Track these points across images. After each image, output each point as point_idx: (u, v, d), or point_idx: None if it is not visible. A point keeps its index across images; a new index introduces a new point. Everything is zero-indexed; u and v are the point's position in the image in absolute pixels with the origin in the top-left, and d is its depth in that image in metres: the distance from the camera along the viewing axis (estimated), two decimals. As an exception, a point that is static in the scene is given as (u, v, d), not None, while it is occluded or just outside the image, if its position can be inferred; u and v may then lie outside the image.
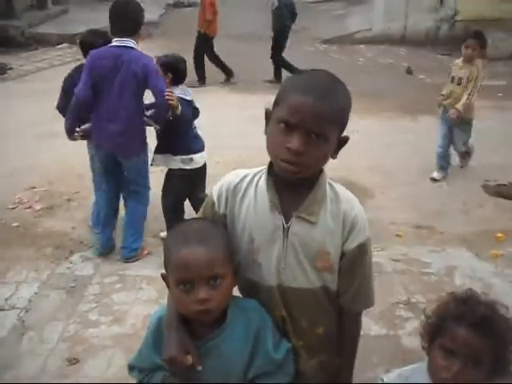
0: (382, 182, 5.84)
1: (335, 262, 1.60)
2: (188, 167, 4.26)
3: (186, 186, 4.38)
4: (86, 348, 3.27)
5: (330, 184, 1.61)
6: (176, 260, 1.50)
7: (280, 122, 1.46)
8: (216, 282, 1.49)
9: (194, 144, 4.33)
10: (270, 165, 1.59)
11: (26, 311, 3.64)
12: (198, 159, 4.32)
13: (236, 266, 1.59)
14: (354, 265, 1.61)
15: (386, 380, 1.68)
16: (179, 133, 4.18)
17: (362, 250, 1.60)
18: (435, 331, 1.57)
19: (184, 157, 4.23)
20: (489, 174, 5.96)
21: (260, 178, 1.62)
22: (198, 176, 4.43)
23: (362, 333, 3.21)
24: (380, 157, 6.48)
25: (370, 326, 3.43)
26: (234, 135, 6.79)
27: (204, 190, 4.50)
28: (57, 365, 3.13)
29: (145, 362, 1.68)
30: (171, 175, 4.37)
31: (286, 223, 1.56)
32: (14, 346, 3.31)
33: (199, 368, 1.54)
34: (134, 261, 4.26)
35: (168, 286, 1.59)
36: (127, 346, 3.23)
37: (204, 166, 4.44)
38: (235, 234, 1.65)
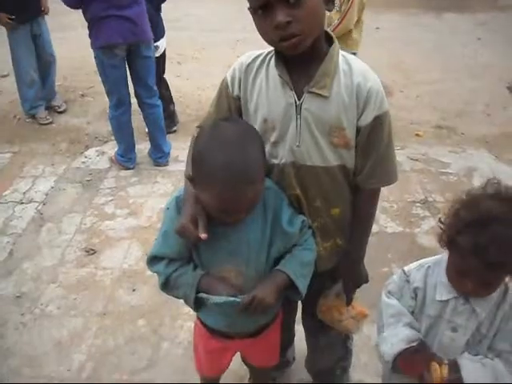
0: (402, 81, 5.66)
1: (351, 138, 1.52)
2: (156, 55, 4.11)
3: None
4: (102, 240, 3.32)
5: (343, 56, 1.51)
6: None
7: (256, 10, 1.36)
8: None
9: (159, 30, 4.16)
10: None
11: (44, 204, 3.68)
12: (161, 46, 4.21)
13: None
14: (370, 139, 1.52)
15: (406, 269, 1.66)
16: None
17: (378, 123, 1.50)
18: (464, 227, 1.43)
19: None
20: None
21: (271, 57, 1.54)
22: (162, 63, 4.36)
23: (377, 229, 3.31)
24: (400, 54, 6.26)
25: (387, 223, 3.43)
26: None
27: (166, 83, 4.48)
28: (75, 255, 3.19)
29: (173, 248, 1.59)
30: None
31: (298, 100, 1.49)
32: (34, 237, 3.37)
33: (203, 236, 1.47)
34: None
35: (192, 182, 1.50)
36: (143, 238, 3.28)
37: (164, 54, 4.34)
38: (249, 114, 1.59)
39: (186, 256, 1.61)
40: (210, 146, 1.41)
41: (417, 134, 4.68)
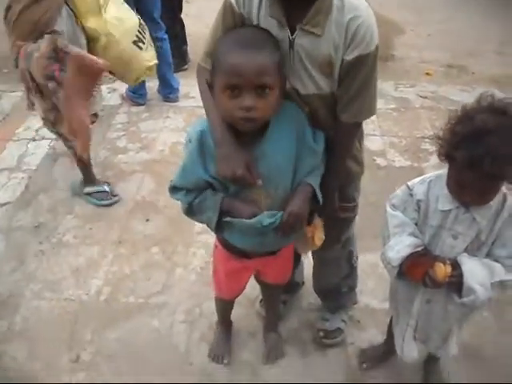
0: (413, 19, 5.59)
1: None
2: None
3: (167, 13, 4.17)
4: (116, 172, 3.40)
5: None
6: (227, 64, 1.44)
7: None
8: (264, 91, 1.45)
9: None
10: None
11: (56, 140, 3.71)
12: None
13: (284, 79, 1.56)
14: (349, 75, 1.55)
15: (409, 184, 1.72)
16: None
17: (359, 61, 1.52)
18: (460, 141, 1.47)
19: None
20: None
21: None
22: (178, 2, 4.36)
23: (385, 163, 3.35)
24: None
25: (395, 157, 3.48)
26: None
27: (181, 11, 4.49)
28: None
29: (191, 180, 1.64)
30: None
31: (292, 35, 1.51)
32: (48, 171, 3.45)
33: (260, 183, 1.57)
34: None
35: (212, 94, 1.56)
36: (156, 171, 3.34)
37: None
38: None
39: (205, 187, 1.66)
40: (227, 40, 1.51)
41: (427, 73, 4.65)
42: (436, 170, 3.28)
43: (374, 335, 2.40)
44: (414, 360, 1.96)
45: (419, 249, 1.66)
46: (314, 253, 2.20)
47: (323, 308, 2.46)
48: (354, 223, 2.11)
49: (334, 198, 1.85)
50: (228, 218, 1.63)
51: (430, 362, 2.17)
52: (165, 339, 2.41)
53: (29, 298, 2.60)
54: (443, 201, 1.63)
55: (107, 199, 3.15)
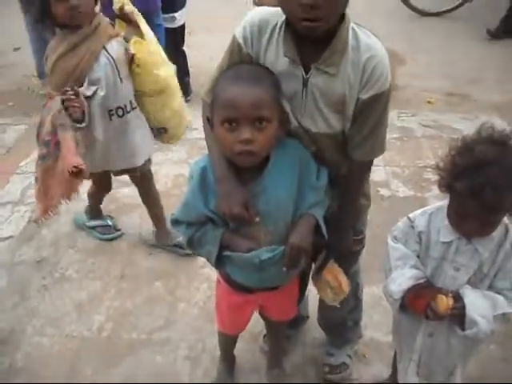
0: (413, 48, 5.63)
1: (352, 109, 1.57)
2: (172, 26, 4.16)
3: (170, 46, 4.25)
4: (119, 206, 3.40)
5: (353, 30, 1.52)
6: (224, 97, 1.47)
7: None
8: (261, 124, 1.46)
9: (179, 1, 4.19)
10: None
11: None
12: (180, 18, 4.22)
13: (286, 115, 1.57)
14: (363, 114, 1.56)
15: (411, 216, 1.72)
16: None
17: (375, 100, 1.54)
18: (460, 172, 1.47)
19: (166, 15, 4.08)
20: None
21: (281, 26, 1.54)
22: (180, 34, 4.37)
23: (389, 194, 3.35)
24: (410, 22, 6.22)
25: (398, 187, 3.48)
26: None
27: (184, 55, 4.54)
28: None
29: (192, 215, 1.66)
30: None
31: (306, 74, 1.53)
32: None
33: (257, 220, 1.58)
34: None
35: (211, 128, 1.58)
36: (159, 203, 3.34)
37: (183, 26, 4.36)
38: None
39: (206, 221, 1.67)
40: (225, 75, 1.54)
41: (428, 101, 4.67)
42: (438, 200, 3.27)
43: (379, 370, 2.36)
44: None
45: (421, 281, 1.65)
46: None
47: (328, 343, 2.43)
48: (360, 256, 2.10)
49: (349, 234, 1.86)
50: (227, 252, 1.64)
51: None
52: (168, 376, 2.38)
53: (30, 334, 2.58)
54: (444, 232, 1.63)
55: (110, 233, 3.12)
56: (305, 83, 1.54)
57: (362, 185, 1.82)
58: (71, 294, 2.80)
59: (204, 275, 2.82)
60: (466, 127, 4.23)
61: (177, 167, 3.71)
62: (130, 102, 2.49)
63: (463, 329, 1.61)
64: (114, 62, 2.36)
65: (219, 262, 1.69)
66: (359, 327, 2.39)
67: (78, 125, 2.27)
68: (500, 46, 5.69)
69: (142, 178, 2.85)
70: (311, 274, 1.91)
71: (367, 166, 1.76)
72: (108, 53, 2.34)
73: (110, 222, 3.15)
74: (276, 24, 1.56)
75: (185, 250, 2.96)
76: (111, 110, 2.43)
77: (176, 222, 1.72)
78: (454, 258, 1.63)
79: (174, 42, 4.22)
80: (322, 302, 2.27)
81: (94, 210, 3.13)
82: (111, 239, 3.11)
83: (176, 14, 4.16)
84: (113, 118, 2.45)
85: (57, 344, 2.53)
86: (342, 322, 2.29)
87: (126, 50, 2.39)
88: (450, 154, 1.54)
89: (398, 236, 1.74)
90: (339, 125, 1.60)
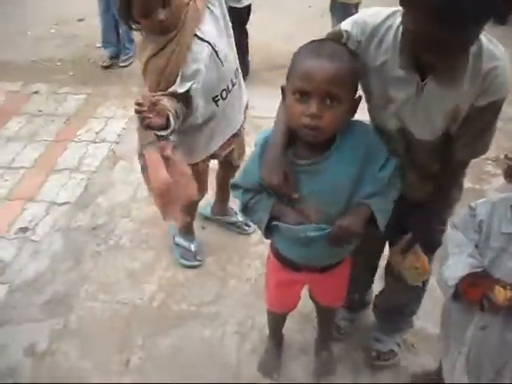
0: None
1: (464, 114, 1.52)
2: (238, 6, 4.10)
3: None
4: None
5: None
6: (301, 68, 1.46)
7: None
8: (332, 102, 1.44)
9: None
10: None
11: (117, 144, 3.80)
12: None
13: (357, 100, 1.54)
14: (477, 117, 1.50)
15: (472, 204, 1.67)
16: None
17: (491, 107, 1.47)
18: None
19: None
20: None
21: (399, 26, 1.47)
22: (245, 14, 4.33)
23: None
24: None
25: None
26: None
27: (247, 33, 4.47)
28: (146, 193, 3.29)
29: (250, 182, 1.67)
30: None
31: (422, 81, 1.48)
32: (107, 174, 3.51)
33: (295, 196, 1.57)
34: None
35: (283, 97, 1.56)
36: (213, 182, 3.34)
37: (249, 6, 4.30)
38: (367, 74, 1.57)
39: (261, 190, 1.66)
40: (307, 47, 1.50)
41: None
42: (497, 193, 3.20)
43: (427, 361, 2.33)
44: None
45: (478, 270, 1.59)
46: (387, 274, 2.16)
47: (377, 328, 2.40)
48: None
49: (434, 226, 1.83)
50: (276, 222, 1.64)
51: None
52: (215, 350, 2.40)
53: (83, 298, 2.65)
54: (507, 223, 1.57)
55: (188, 260, 2.85)
56: (419, 89, 1.49)
57: (458, 180, 1.78)
58: (124, 262, 2.85)
59: (257, 253, 2.82)
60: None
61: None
62: (231, 79, 2.34)
63: None
64: (211, 46, 2.16)
65: (269, 231, 1.69)
66: (412, 318, 2.35)
67: (163, 132, 2.06)
68: None
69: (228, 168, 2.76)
70: (392, 255, 1.90)
71: (466, 166, 1.72)
72: (202, 39, 2.14)
73: (193, 248, 2.86)
74: (392, 24, 1.50)
75: (239, 229, 2.97)
76: (216, 96, 2.28)
77: (235, 187, 1.75)
78: None
79: (237, 21, 4.19)
80: (386, 286, 2.25)
81: (185, 225, 2.81)
82: (187, 267, 2.85)
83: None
84: (219, 103, 2.31)
85: (108, 310, 2.59)
86: (399, 310, 2.26)
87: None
88: None
89: (458, 224, 1.69)
90: (443, 131, 1.57)
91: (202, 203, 3.02)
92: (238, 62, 2.43)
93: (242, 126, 2.60)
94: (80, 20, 5.80)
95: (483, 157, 3.51)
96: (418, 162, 1.70)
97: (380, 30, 1.51)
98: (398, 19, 1.47)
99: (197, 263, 2.84)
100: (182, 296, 2.65)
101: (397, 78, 1.51)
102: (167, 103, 2.03)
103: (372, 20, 1.52)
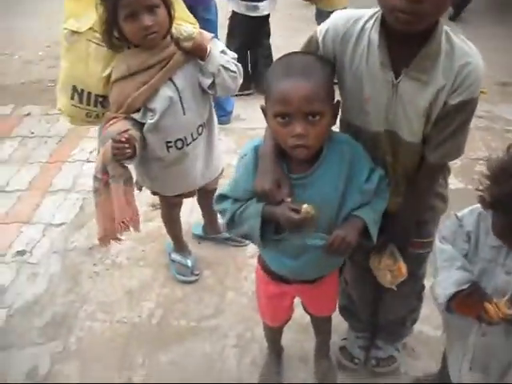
0: (464, 35, 5.48)
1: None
2: (252, 14, 4.13)
3: (249, 33, 4.26)
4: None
5: (446, 34, 1.47)
6: (276, 92, 1.46)
7: None
8: (315, 118, 1.45)
9: None
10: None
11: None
12: (263, 7, 4.16)
13: (336, 105, 1.56)
14: (448, 117, 1.52)
15: (459, 215, 1.67)
16: None
17: (463, 105, 1.49)
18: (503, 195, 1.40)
19: (249, 3, 4.08)
20: None
21: (373, 26, 1.50)
22: (263, 25, 4.32)
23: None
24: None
25: (450, 179, 3.39)
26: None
27: (269, 37, 4.44)
28: (142, 210, 3.26)
29: (240, 191, 1.65)
30: (235, 19, 4.28)
31: (396, 79, 1.50)
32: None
33: (288, 200, 1.54)
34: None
35: (266, 118, 1.57)
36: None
37: (268, 16, 4.29)
38: (346, 79, 1.59)
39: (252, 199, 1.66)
40: (278, 65, 1.52)
41: (481, 92, 4.53)
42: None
43: (428, 364, 2.33)
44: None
45: (465, 286, 1.57)
46: (384, 290, 2.12)
47: (377, 337, 2.40)
48: (428, 257, 2.05)
49: (410, 233, 1.84)
50: (272, 234, 1.62)
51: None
52: (216, 363, 2.41)
53: (83, 319, 2.65)
54: (493, 236, 1.55)
55: (185, 276, 2.85)
56: (395, 88, 1.51)
57: (432, 186, 1.76)
58: (122, 280, 2.86)
59: (253, 265, 2.76)
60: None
61: (226, 156, 3.69)
62: (192, 133, 2.28)
63: None
64: (179, 93, 2.16)
65: (265, 239, 1.63)
66: (412, 327, 2.37)
67: (129, 162, 2.14)
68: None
69: (204, 193, 2.74)
70: (370, 258, 1.89)
71: (440, 169, 1.72)
72: (174, 83, 2.14)
73: (189, 263, 2.87)
74: (364, 25, 1.52)
75: (234, 242, 2.98)
76: (169, 142, 2.24)
77: (222, 198, 1.69)
78: (504, 261, 1.57)
79: (254, 31, 4.26)
80: (385, 301, 2.24)
81: (175, 241, 2.91)
82: (185, 282, 2.85)
83: (260, 4, 4.14)
84: (170, 150, 2.26)
85: (108, 330, 2.59)
86: (402, 322, 2.27)
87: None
88: (489, 176, 1.46)
89: (447, 236, 1.69)
90: (421, 131, 1.58)
91: (194, 223, 3.12)
92: (211, 125, 2.42)
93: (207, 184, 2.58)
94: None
95: (474, 157, 3.61)
96: (402, 170, 1.70)
97: (353, 33, 1.53)
98: (371, 21, 1.50)
99: (194, 278, 2.84)
100: (181, 312, 2.66)
101: (373, 78, 1.52)
102: (133, 133, 2.09)
103: (344, 24, 1.54)
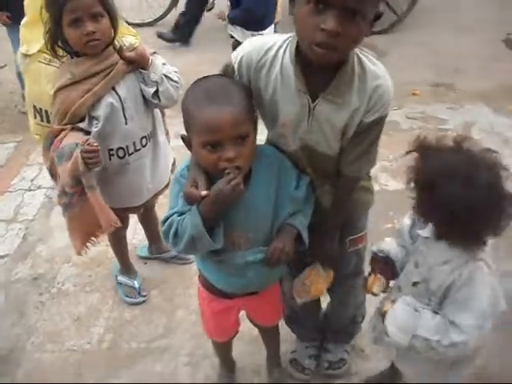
0: (393, 39, 5.69)
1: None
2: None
3: None
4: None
5: (358, 57, 1.53)
6: (202, 121, 1.46)
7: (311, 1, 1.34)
8: (243, 139, 1.48)
9: (267, 20, 4.27)
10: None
11: (52, 189, 3.74)
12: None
13: (256, 119, 1.59)
14: (362, 134, 1.60)
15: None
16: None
17: (375, 123, 1.57)
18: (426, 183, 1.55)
19: (255, 32, 4.14)
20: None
21: (285, 52, 1.55)
22: None
23: (378, 188, 3.36)
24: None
25: (387, 181, 3.52)
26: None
27: None
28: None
29: (180, 205, 1.60)
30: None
31: (312, 102, 1.55)
32: (45, 221, 3.47)
33: (204, 193, 1.49)
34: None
35: (189, 147, 1.58)
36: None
37: None
38: (262, 105, 1.63)
39: None
40: (197, 91, 1.51)
41: (414, 93, 4.70)
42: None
43: (378, 363, 2.37)
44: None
45: (381, 255, 1.80)
46: (330, 291, 2.15)
47: (327, 339, 2.44)
48: (366, 251, 2.11)
49: (334, 237, 1.89)
50: (214, 255, 1.66)
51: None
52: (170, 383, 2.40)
53: (31, 351, 2.59)
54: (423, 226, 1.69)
55: (133, 298, 2.83)
56: (311, 110, 1.56)
57: (350, 195, 1.82)
58: (69, 308, 2.81)
59: None
60: (453, 117, 4.29)
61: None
62: (134, 143, 2.29)
63: None
64: (122, 103, 2.19)
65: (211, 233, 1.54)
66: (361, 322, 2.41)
67: (97, 169, 2.14)
68: (480, 32, 5.74)
69: (145, 211, 2.73)
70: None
71: (357, 181, 1.79)
72: (116, 92, 2.17)
73: (136, 285, 2.84)
74: (277, 52, 1.56)
75: (180, 260, 2.99)
76: (111, 150, 2.25)
77: (167, 219, 1.62)
78: (419, 254, 1.70)
79: None
80: (331, 305, 2.32)
81: (122, 262, 2.89)
82: (133, 304, 2.82)
83: (264, 32, 4.22)
84: (112, 159, 2.27)
85: (58, 359, 2.55)
86: (352, 320, 2.32)
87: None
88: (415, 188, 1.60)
89: (396, 234, 1.87)
90: (338, 147, 1.65)
91: (139, 246, 3.12)
92: (156, 138, 2.42)
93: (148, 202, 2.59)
94: (1, 67, 5.72)
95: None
96: (323, 180, 1.77)
97: (266, 61, 1.57)
98: (283, 47, 1.55)
99: (142, 299, 2.82)
100: (131, 334, 2.64)
101: (289, 102, 1.57)
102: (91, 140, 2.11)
103: (258, 53, 1.58)
